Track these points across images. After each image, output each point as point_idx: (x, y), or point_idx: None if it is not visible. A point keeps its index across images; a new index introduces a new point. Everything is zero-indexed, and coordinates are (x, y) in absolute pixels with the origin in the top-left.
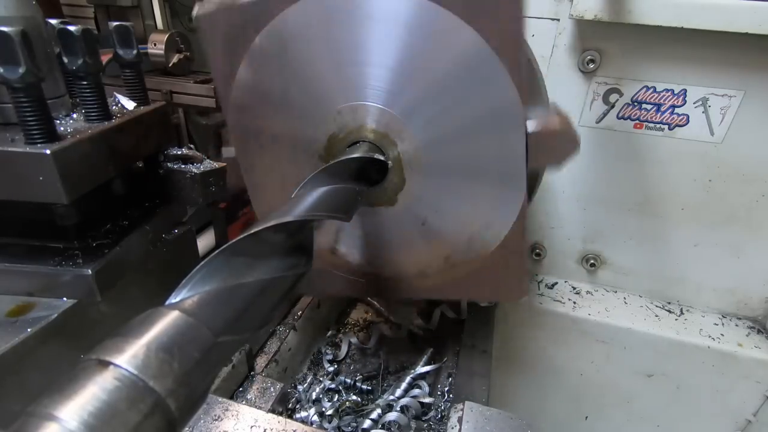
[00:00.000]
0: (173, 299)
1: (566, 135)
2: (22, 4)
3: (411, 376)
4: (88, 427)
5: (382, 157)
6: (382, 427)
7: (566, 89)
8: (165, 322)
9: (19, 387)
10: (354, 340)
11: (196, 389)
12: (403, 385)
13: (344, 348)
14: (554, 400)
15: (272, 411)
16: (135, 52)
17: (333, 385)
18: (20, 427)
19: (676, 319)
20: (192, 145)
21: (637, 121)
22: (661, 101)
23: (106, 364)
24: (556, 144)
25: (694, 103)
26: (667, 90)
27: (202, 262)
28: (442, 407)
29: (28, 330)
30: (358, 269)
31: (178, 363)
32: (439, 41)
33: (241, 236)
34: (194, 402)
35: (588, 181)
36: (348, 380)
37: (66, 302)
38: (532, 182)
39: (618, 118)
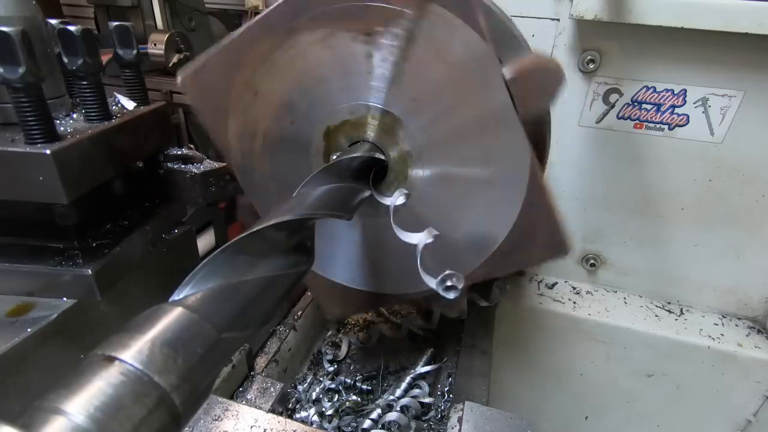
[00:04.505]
0: (176, 296)
1: (546, 69)
2: (22, 4)
3: (411, 376)
4: (95, 421)
5: (382, 157)
6: (382, 427)
7: (566, 89)
8: (169, 318)
9: (19, 387)
10: (354, 340)
11: (200, 385)
12: (403, 385)
13: (344, 348)
14: (554, 400)
15: (272, 411)
16: (135, 52)
17: (333, 385)
18: (28, 421)
19: (676, 319)
20: (192, 145)
21: (637, 121)
22: (661, 101)
23: (111, 360)
24: (538, 82)
25: (694, 103)
26: (667, 90)
27: (205, 260)
28: (442, 407)
29: (28, 330)
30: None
31: (183, 359)
32: (440, 41)
33: (243, 234)
34: (198, 397)
35: (588, 181)
36: (348, 380)
37: (66, 302)
38: (539, 139)
39: (618, 118)
